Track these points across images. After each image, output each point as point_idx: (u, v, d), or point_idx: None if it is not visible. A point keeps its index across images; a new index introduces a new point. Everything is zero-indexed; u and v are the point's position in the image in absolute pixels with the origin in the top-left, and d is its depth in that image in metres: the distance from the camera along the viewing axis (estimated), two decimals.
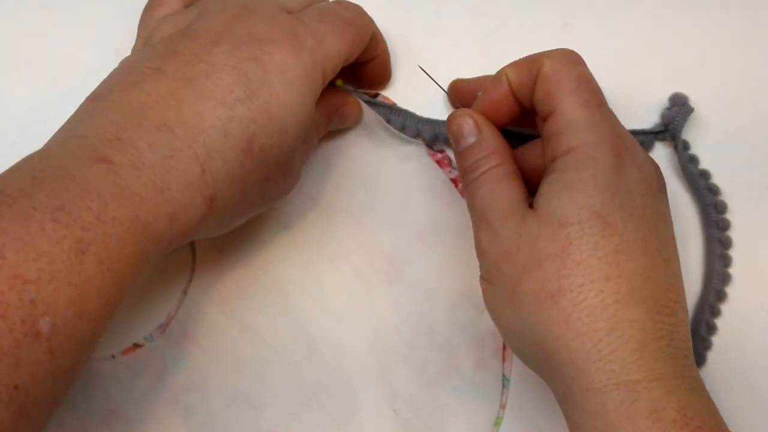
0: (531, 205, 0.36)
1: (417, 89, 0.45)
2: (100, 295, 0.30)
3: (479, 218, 0.36)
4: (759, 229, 0.45)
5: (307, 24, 0.38)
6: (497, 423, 0.42)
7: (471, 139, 0.38)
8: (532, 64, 0.37)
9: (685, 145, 0.45)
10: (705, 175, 0.45)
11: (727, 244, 0.44)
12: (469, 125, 0.38)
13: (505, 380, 0.43)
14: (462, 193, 0.44)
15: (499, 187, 0.36)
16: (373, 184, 0.44)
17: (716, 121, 0.46)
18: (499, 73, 0.39)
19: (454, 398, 0.43)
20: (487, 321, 0.39)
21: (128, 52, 0.39)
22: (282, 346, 0.43)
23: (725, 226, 0.44)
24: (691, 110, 0.45)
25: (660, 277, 0.34)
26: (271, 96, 0.35)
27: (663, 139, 0.45)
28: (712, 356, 0.43)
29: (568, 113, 0.35)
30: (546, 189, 0.35)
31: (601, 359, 0.32)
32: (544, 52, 0.37)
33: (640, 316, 0.33)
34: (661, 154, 0.45)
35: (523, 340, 0.35)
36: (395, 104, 0.45)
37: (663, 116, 0.45)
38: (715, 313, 0.44)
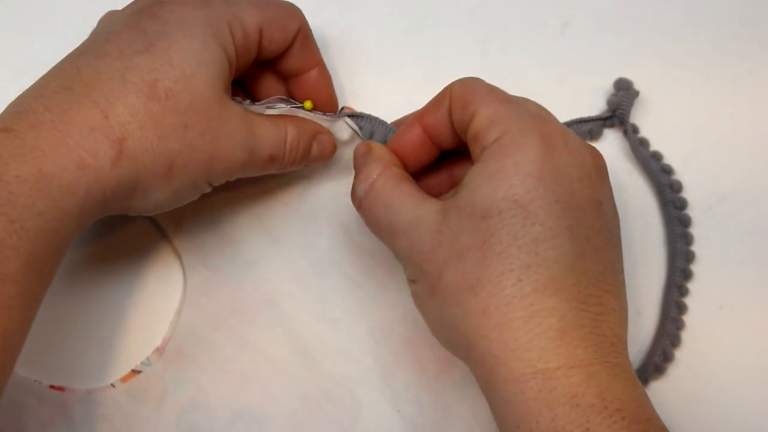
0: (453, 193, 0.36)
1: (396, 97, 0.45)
2: (18, 256, 0.31)
3: (390, 233, 0.36)
4: (715, 205, 0.45)
5: None
6: None
7: (361, 160, 0.38)
8: (441, 100, 0.38)
9: (635, 129, 0.45)
10: (657, 156, 0.45)
11: (686, 222, 0.44)
12: (361, 150, 0.39)
13: None
14: None
15: (394, 194, 0.36)
16: None
17: (662, 103, 0.46)
18: (411, 118, 0.39)
19: (457, 392, 0.43)
20: None
21: None
22: (281, 358, 0.43)
23: (683, 205, 0.44)
24: (636, 94, 0.45)
25: (588, 266, 0.34)
26: (171, 43, 0.35)
27: (612, 125, 0.46)
28: (685, 335, 0.44)
29: (489, 110, 0.35)
30: (469, 179, 0.35)
31: (518, 348, 0.32)
32: (447, 86, 0.38)
33: (560, 304, 0.33)
34: (611, 139, 0.46)
35: (446, 333, 0.35)
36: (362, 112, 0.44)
37: (609, 102, 0.45)
38: (683, 293, 0.44)
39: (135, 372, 0.42)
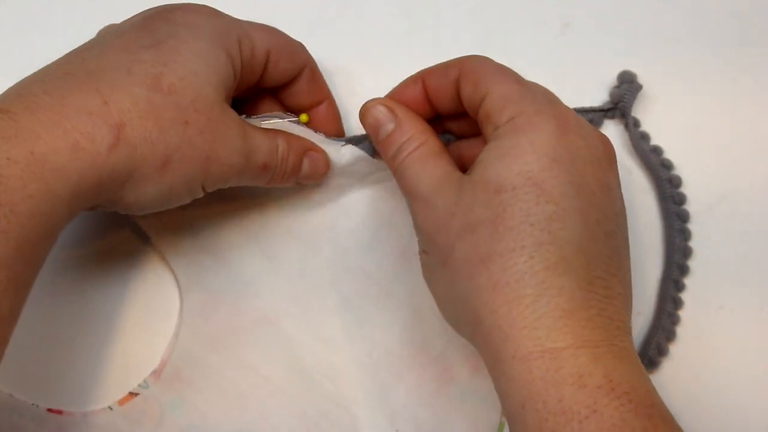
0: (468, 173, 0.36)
1: None
2: (8, 240, 0.30)
3: (412, 196, 0.36)
4: (715, 205, 0.45)
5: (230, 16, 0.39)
6: (500, 429, 0.42)
7: (390, 126, 0.38)
8: (449, 67, 0.38)
9: (636, 123, 0.45)
10: (657, 151, 0.45)
11: (685, 217, 0.44)
12: (383, 113, 0.38)
13: None
14: None
15: (428, 164, 0.36)
16: (352, 209, 0.44)
17: (662, 103, 0.46)
18: (415, 75, 0.39)
19: (455, 409, 0.42)
20: None
21: None
22: (278, 378, 0.43)
23: (681, 200, 0.45)
24: (639, 87, 0.45)
25: (597, 249, 0.34)
26: (179, 42, 0.36)
27: (612, 117, 0.46)
28: (679, 330, 0.44)
29: (503, 89, 0.36)
30: (484, 156, 0.35)
31: (526, 326, 0.32)
32: (457, 58, 0.38)
33: (569, 284, 0.33)
34: (612, 132, 0.46)
35: (455, 307, 0.36)
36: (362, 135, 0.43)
37: (612, 94, 0.45)
38: (680, 287, 0.44)
39: (132, 394, 0.42)
